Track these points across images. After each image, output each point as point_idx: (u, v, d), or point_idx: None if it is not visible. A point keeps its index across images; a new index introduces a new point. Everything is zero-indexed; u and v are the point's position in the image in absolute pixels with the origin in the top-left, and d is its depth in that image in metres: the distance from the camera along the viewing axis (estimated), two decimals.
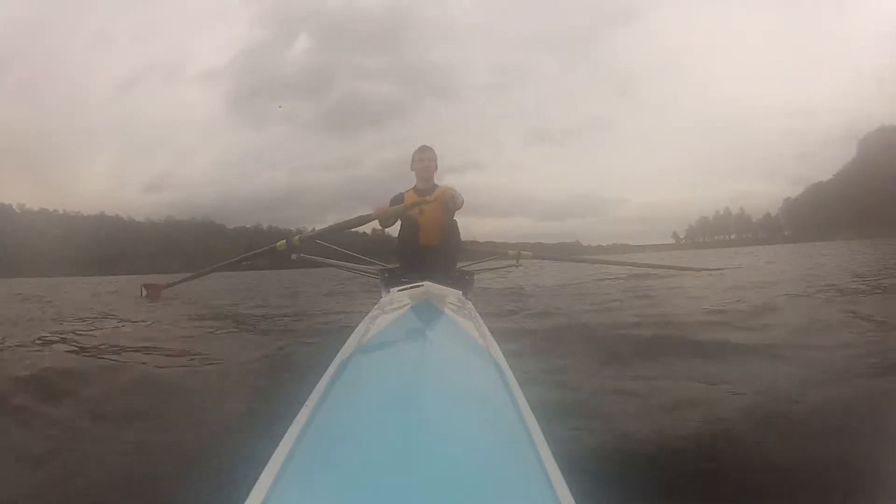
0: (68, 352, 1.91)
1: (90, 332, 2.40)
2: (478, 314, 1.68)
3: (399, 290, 1.98)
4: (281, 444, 0.56)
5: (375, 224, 2.77)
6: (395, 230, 2.86)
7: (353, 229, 3.03)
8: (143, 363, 1.75)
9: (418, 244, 2.78)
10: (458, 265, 3.05)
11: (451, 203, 2.56)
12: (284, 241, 2.93)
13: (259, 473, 0.50)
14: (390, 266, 3.07)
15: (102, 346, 2.05)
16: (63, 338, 2.23)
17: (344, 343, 1.10)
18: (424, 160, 2.77)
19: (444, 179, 2.82)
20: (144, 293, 4.70)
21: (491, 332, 1.31)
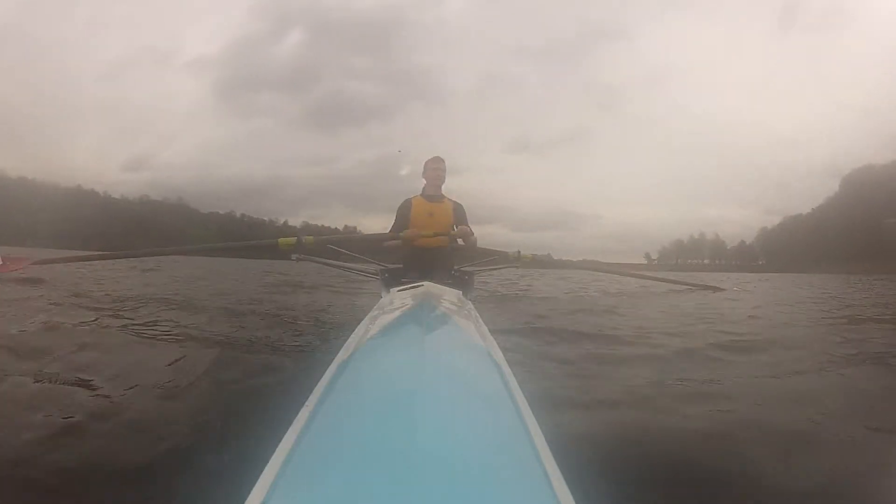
0: (52, 343, 1.90)
1: (79, 323, 2.39)
2: (478, 314, 1.68)
3: (399, 290, 1.98)
4: (281, 444, 0.56)
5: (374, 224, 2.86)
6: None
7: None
8: (140, 360, 1.75)
9: (420, 245, 2.79)
10: (458, 266, 3.06)
11: (466, 240, 2.78)
12: (295, 238, 2.90)
13: (259, 473, 0.50)
14: (391, 266, 3.07)
15: (91, 339, 2.04)
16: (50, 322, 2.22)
17: (344, 343, 1.10)
18: (438, 170, 2.86)
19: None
20: None
21: (491, 333, 1.31)
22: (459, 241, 2.81)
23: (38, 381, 1.44)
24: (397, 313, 1.51)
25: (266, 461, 0.52)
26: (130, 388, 1.43)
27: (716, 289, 5.67)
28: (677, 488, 0.91)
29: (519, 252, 3.83)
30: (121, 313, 2.97)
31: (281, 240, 2.98)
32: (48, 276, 4.50)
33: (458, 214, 2.83)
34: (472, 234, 2.77)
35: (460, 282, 2.64)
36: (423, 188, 2.92)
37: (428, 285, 1.97)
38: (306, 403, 0.68)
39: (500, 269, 4.20)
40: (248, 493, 0.47)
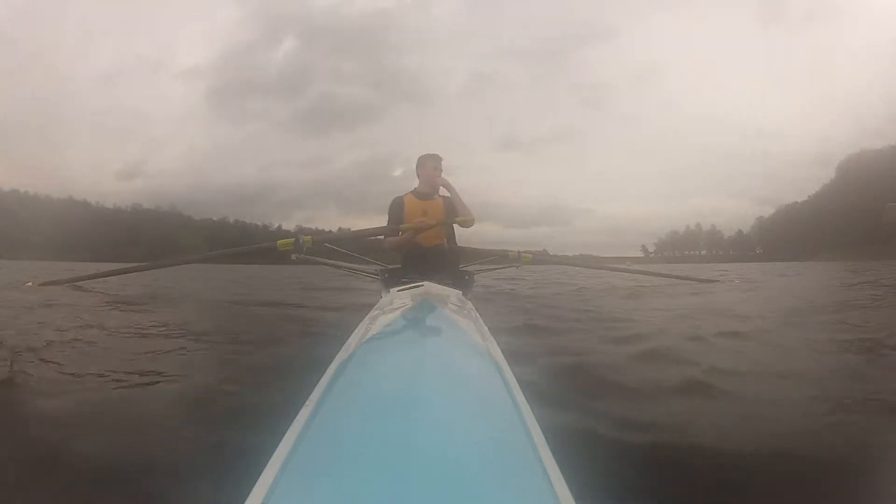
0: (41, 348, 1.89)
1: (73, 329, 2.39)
2: (478, 314, 1.68)
3: (399, 290, 1.98)
4: (281, 444, 0.56)
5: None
6: None
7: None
8: (137, 360, 1.74)
9: (419, 244, 2.79)
10: (458, 266, 3.06)
11: (464, 224, 2.74)
12: (292, 240, 2.88)
13: (259, 473, 0.50)
14: (390, 266, 3.07)
15: (88, 339, 2.04)
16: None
17: (344, 343, 1.10)
18: (436, 170, 2.81)
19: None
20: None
21: (491, 332, 1.31)
22: (457, 224, 2.78)
23: (35, 380, 1.44)
24: (397, 313, 1.51)
25: (266, 461, 0.52)
26: (128, 387, 1.43)
27: (712, 281, 5.67)
28: (679, 488, 0.90)
29: (519, 252, 3.84)
30: (117, 313, 2.97)
31: (279, 242, 2.97)
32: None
33: (450, 210, 2.82)
34: (472, 216, 2.77)
35: (460, 282, 2.64)
36: (417, 186, 2.90)
37: (428, 285, 1.97)
38: (306, 403, 0.68)
39: (500, 268, 4.21)
40: (248, 493, 0.47)
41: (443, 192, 2.88)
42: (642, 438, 1.08)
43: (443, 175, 2.82)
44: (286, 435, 0.58)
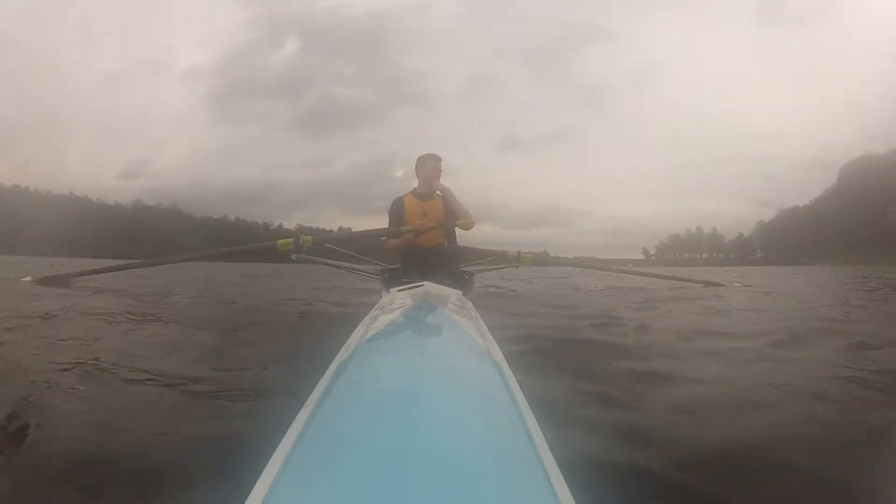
0: (41, 347, 1.89)
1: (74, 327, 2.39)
2: (478, 314, 1.68)
3: (399, 290, 1.98)
4: (281, 444, 0.56)
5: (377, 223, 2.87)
6: None
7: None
8: (135, 358, 1.74)
9: (419, 245, 2.79)
10: (458, 266, 3.06)
11: (464, 227, 2.75)
12: (292, 240, 2.89)
13: (259, 473, 0.50)
14: (391, 266, 3.08)
15: (87, 338, 2.05)
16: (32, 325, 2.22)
17: (344, 343, 1.10)
18: (435, 169, 2.81)
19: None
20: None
21: (491, 332, 1.31)
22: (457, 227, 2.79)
23: (32, 378, 1.44)
24: (397, 313, 1.52)
25: (266, 461, 0.52)
26: (127, 386, 1.43)
27: (717, 284, 5.64)
28: (679, 488, 0.90)
29: (519, 252, 3.85)
30: (116, 311, 2.97)
31: (279, 241, 2.97)
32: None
33: (449, 210, 2.82)
34: (472, 219, 2.77)
35: (460, 282, 2.64)
36: (416, 186, 2.90)
37: (428, 285, 1.98)
38: (306, 403, 0.68)
39: (500, 268, 4.22)
40: (248, 493, 0.47)
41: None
42: (643, 440, 1.08)
43: (443, 175, 2.82)
44: (286, 435, 0.58)
